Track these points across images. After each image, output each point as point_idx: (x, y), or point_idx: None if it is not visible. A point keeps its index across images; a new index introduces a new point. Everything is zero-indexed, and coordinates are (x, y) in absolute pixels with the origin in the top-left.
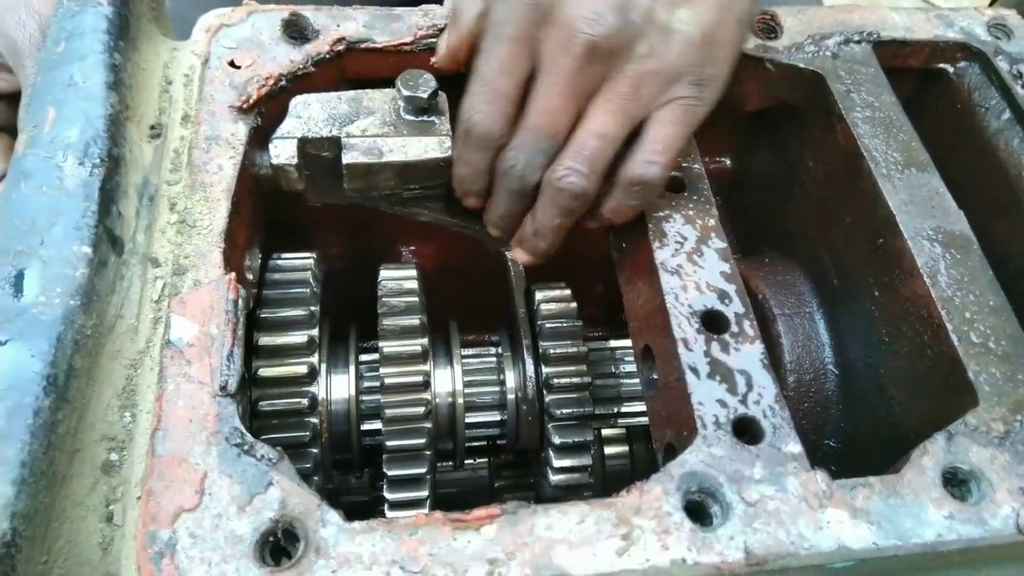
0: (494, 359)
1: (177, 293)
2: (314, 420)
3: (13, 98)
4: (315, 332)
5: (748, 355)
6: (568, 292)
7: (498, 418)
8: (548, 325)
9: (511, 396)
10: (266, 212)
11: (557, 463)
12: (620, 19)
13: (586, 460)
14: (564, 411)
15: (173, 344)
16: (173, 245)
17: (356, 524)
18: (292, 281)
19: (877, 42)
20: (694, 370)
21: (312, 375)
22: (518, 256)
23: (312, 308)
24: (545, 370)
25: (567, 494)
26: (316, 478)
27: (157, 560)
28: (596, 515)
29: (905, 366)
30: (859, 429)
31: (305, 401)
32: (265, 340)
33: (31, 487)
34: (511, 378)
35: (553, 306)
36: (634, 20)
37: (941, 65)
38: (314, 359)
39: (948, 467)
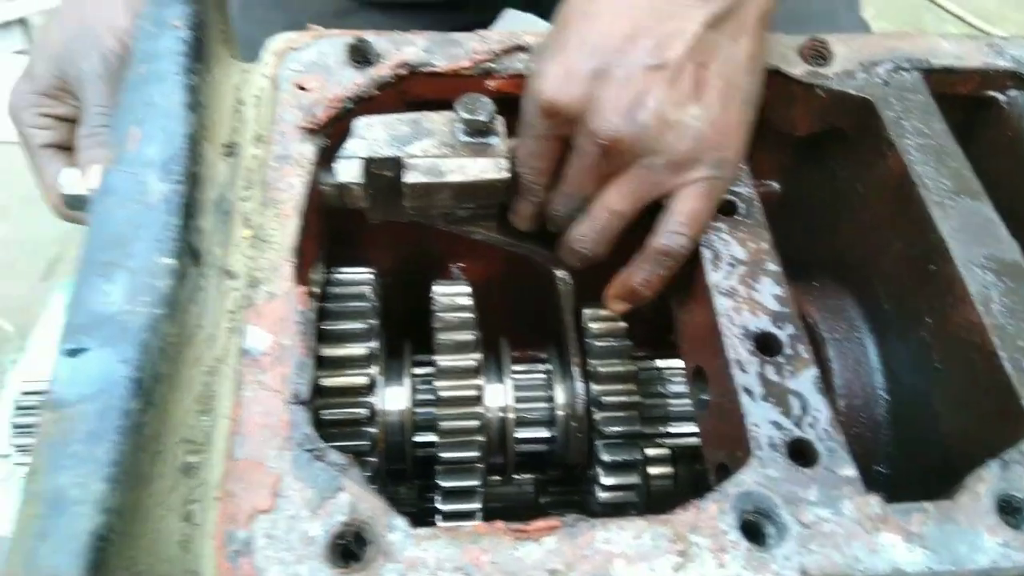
0: (543, 376)
1: (251, 304)
2: (373, 430)
3: (75, 121)
4: (374, 345)
5: (802, 378)
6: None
7: (547, 434)
8: (598, 344)
9: (560, 413)
10: (330, 228)
11: (605, 480)
12: (633, 125)
13: (634, 478)
14: (613, 429)
15: (248, 353)
16: (247, 259)
17: (421, 530)
18: (352, 295)
19: (927, 70)
20: (748, 392)
21: (371, 386)
22: (615, 308)
23: (371, 322)
24: (594, 388)
25: (614, 512)
26: (375, 487)
27: (235, 559)
28: (653, 531)
29: (956, 392)
30: (908, 454)
31: (365, 411)
32: (327, 352)
33: (121, 485)
34: (560, 395)
35: (603, 325)
36: (647, 123)
37: (991, 93)
38: (373, 371)
39: (1003, 495)
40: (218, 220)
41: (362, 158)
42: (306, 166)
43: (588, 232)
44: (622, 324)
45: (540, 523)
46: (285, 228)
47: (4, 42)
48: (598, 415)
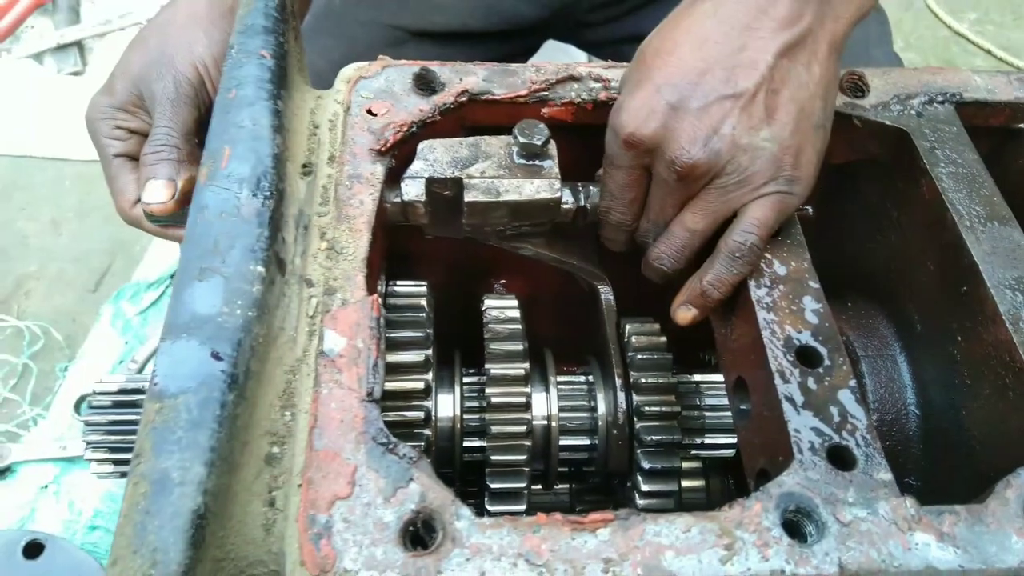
0: (585, 387)
1: (328, 310)
2: (427, 432)
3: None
4: (430, 352)
5: (840, 389)
6: (657, 326)
7: (588, 442)
8: (639, 356)
9: (601, 422)
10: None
11: (645, 487)
12: (707, 153)
13: (672, 486)
14: (653, 438)
15: (326, 354)
16: (324, 269)
17: (486, 520)
18: (410, 306)
19: (960, 102)
20: (791, 400)
21: (427, 391)
22: (683, 317)
23: (427, 331)
24: (636, 399)
25: None
26: None
27: (316, 540)
28: (701, 526)
29: (986, 407)
30: (939, 468)
31: (421, 414)
32: (388, 358)
33: (217, 469)
34: (602, 405)
35: (644, 339)
36: (720, 150)
37: (1021, 125)
38: (428, 376)
39: None
40: (299, 233)
41: (425, 178)
42: (375, 185)
43: (667, 251)
44: (662, 339)
45: (595, 515)
46: (357, 241)
47: (61, 64)
48: (639, 424)
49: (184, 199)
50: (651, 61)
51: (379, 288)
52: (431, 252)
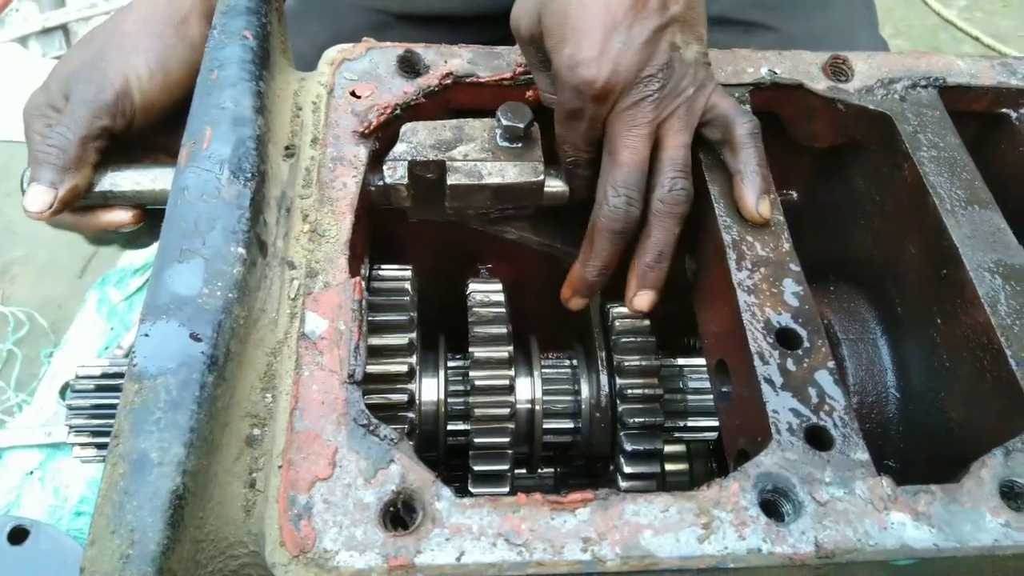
0: (569, 370)
1: (310, 292)
2: (411, 415)
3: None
4: (414, 335)
5: (820, 371)
6: None
7: (572, 425)
8: (623, 339)
9: (585, 405)
10: (374, 227)
11: (628, 469)
12: (669, 76)
13: (655, 468)
14: (636, 420)
15: (307, 336)
16: (306, 251)
17: (466, 500)
18: (394, 289)
19: (943, 87)
20: (769, 381)
21: (411, 374)
22: (640, 303)
23: (411, 314)
24: (619, 381)
25: None
26: None
27: (296, 521)
28: (679, 505)
29: (965, 389)
30: (919, 449)
31: (405, 397)
32: (372, 341)
33: (196, 450)
34: (586, 388)
35: (628, 322)
36: (676, 70)
37: (1004, 110)
38: (413, 359)
39: (1005, 480)
40: (281, 215)
41: (408, 161)
42: (359, 167)
43: (683, 173)
44: (646, 322)
45: (575, 495)
46: (340, 224)
47: (46, 47)
48: (622, 407)
49: (62, 208)
50: (581, 10)
51: (362, 271)
52: (416, 236)
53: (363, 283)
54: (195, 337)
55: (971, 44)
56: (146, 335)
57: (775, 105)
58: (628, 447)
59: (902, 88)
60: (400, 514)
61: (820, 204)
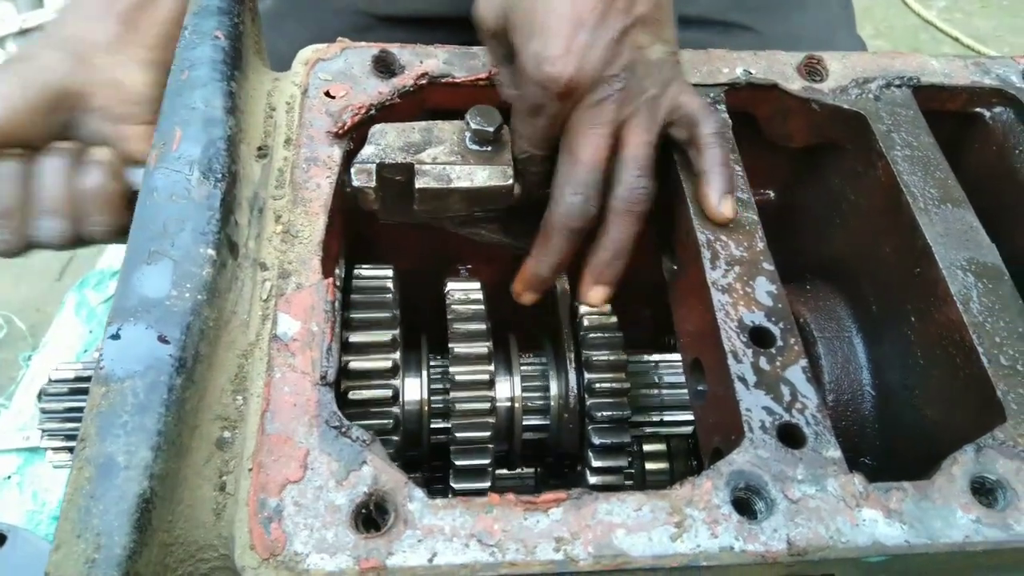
0: (541, 367)
1: (282, 294)
2: (396, 410)
3: None
4: (397, 332)
5: (793, 369)
6: (608, 307)
7: (544, 422)
8: (591, 336)
9: (554, 402)
10: (350, 227)
11: (596, 463)
12: (633, 77)
13: (622, 462)
14: (604, 414)
15: (279, 338)
16: (278, 252)
17: (438, 501)
18: (376, 288)
19: (917, 86)
20: (743, 380)
21: (395, 370)
22: (595, 298)
23: (394, 311)
24: (587, 376)
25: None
26: (397, 464)
27: (266, 524)
28: (652, 504)
29: (939, 387)
30: (894, 447)
31: (389, 392)
32: (355, 338)
33: (164, 453)
34: (555, 385)
35: (595, 319)
36: (639, 71)
37: (978, 109)
38: (396, 356)
39: (976, 476)
40: (253, 216)
41: (376, 163)
42: (333, 168)
43: (646, 172)
44: (613, 319)
45: (548, 495)
46: (313, 225)
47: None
48: (590, 401)
49: None
50: (549, 8)
51: (337, 272)
52: (397, 237)
53: (337, 284)
54: (163, 339)
55: (951, 45)
56: (113, 338)
57: (750, 105)
58: (596, 441)
59: (876, 88)
60: (372, 516)
61: (797, 204)
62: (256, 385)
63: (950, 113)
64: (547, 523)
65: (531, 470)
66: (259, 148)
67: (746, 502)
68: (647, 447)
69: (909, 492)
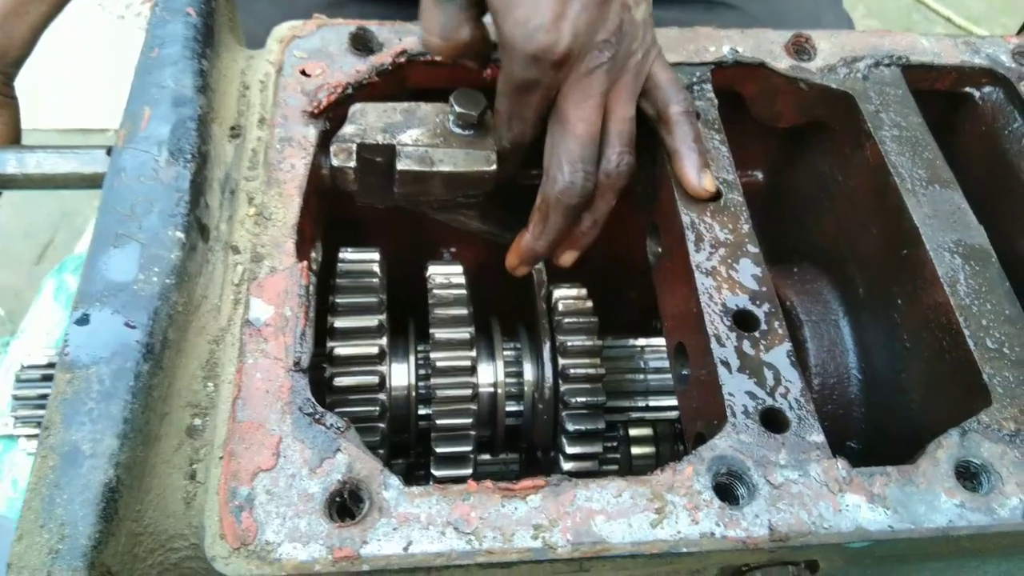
0: (516, 353)
1: (255, 278)
2: (382, 397)
3: None
4: (383, 317)
5: (776, 352)
6: (584, 291)
7: (518, 408)
8: (566, 321)
9: (527, 389)
10: (328, 210)
11: (569, 450)
12: (621, 39)
13: (596, 448)
14: (578, 400)
15: (252, 323)
16: (251, 235)
17: (415, 488)
18: (362, 272)
19: (906, 66)
20: (726, 364)
21: (382, 355)
22: (567, 260)
23: (381, 296)
24: (562, 361)
25: None
26: (382, 451)
27: (237, 513)
28: (632, 490)
29: (925, 370)
30: (880, 430)
31: (375, 379)
32: (340, 323)
33: (131, 441)
34: (530, 370)
35: (570, 303)
36: (629, 32)
37: (967, 89)
38: (383, 341)
39: (961, 460)
40: (224, 198)
41: (356, 143)
42: (308, 148)
43: (627, 148)
44: (588, 303)
45: (526, 482)
46: (287, 207)
47: None
48: (564, 387)
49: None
50: None
51: (313, 255)
52: (383, 220)
53: (312, 268)
54: (129, 325)
55: (943, 25)
56: (78, 323)
57: (737, 84)
58: (570, 427)
59: (865, 67)
60: (347, 504)
61: (785, 186)
62: (227, 371)
63: (939, 93)
64: (525, 510)
65: (515, 455)
66: (232, 128)
67: (728, 487)
68: (633, 431)
69: (893, 477)
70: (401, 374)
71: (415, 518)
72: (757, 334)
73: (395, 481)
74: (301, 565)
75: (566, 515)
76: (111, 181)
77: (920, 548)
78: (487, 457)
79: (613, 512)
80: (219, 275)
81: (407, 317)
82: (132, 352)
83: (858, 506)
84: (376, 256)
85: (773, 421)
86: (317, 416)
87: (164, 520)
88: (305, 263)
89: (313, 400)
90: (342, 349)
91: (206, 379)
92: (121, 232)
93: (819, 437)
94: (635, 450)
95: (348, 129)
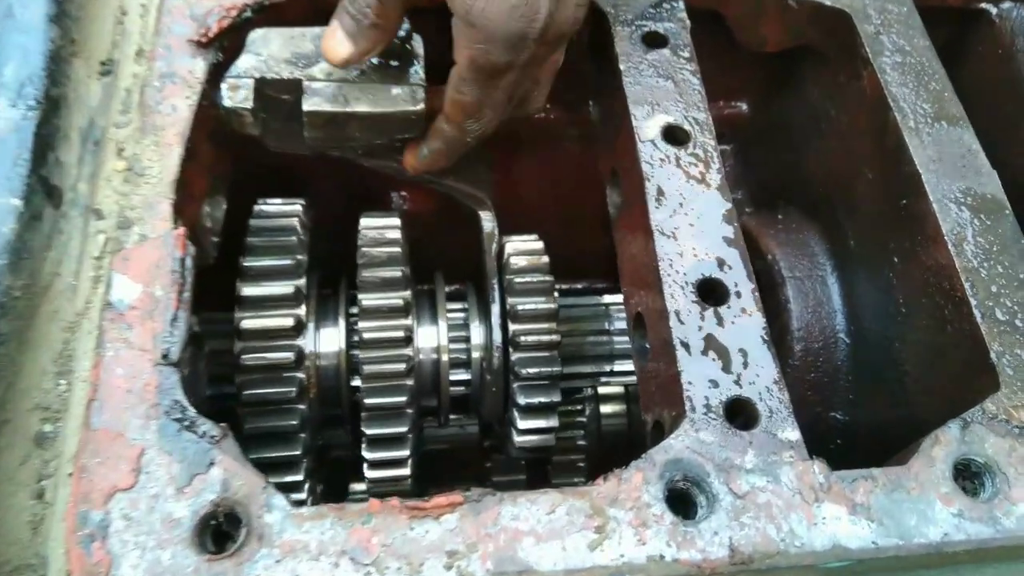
0: (463, 315)
1: (121, 249)
2: (300, 375)
3: None
4: (302, 282)
5: (747, 330)
6: (541, 244)
7: (466, 377)
8: (517, 281)
9: (475, 355)
10: (247, 156)
11: (522, 424)
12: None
13: (552, 422)
14: (530, 370)
15: (113, 306)
16: (119, 195)
17: (304, 510)
18: (278, 228)
19: None
20: (686, 345)
21: (299, 328)
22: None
23: (299, 257)
24: (512, 327)
25: (533, 457)
26: (303, 435)
27: (87, 543)
28: (568, 505)
29: (922, 340)
30: (869, 403)
31: (291, 355)
32: (248, 291)
33: None
34: (478, 335)
35: (523, 260)
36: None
37: (983, 5)
38: (301, 311)
39: (961, 458)
40: (85, 151)
41: (254, 79)
42: (194, 85)
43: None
44: (544, 259)
45: (440, 499)
46: (165, 159)
47: None
48: (515, 355)
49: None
50: None
51: (207, 211)
52: (316, 165)
53: (193, 236)
54: None
55: None
56: None
57: (719, 3)
58: (522, 400)
59: None
60: (223, 528)
61: (771, 119)
62: (83, 366)
63: (950, 10)
64: (439, 533)
65: (474, 420)
66: (102, 63)
67: (684, 496)
68: (603, 389)
69: (880, 481)
70: (331, 340)
71: (303, 547)
72: (725, 308)
73: (280, 501)
74: None
75: (487, 537)
76: None
77: (909, 565)
78: (433, 427)
79: (544, 533)
80: (75, 247)
81: (340, 275)
82: None
83: (837, 518)
84: (298, 209)
85: (740, 414)
86: (187, 422)
87: (7, 548)
88: (182, 230)
89: (184, 402)
90: (250, 322)
91: (58, 375)
92: None
93: (794, 434)
94: (604, 408)
95: (245, 61)
